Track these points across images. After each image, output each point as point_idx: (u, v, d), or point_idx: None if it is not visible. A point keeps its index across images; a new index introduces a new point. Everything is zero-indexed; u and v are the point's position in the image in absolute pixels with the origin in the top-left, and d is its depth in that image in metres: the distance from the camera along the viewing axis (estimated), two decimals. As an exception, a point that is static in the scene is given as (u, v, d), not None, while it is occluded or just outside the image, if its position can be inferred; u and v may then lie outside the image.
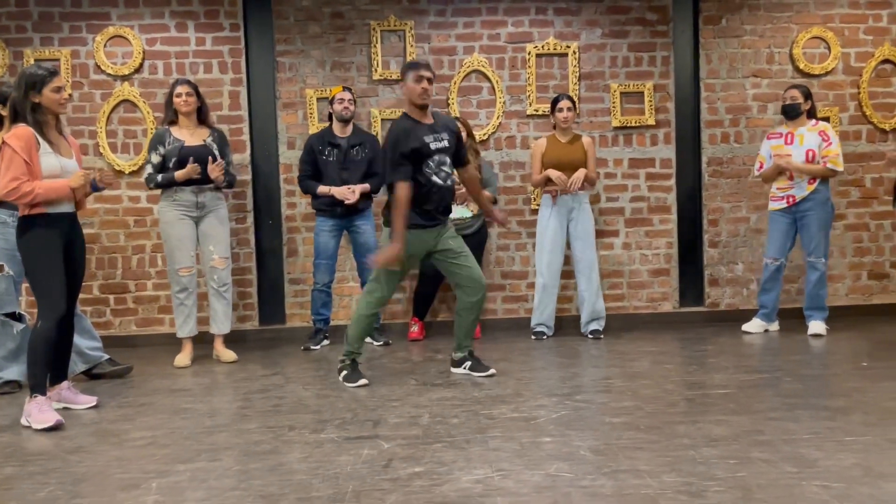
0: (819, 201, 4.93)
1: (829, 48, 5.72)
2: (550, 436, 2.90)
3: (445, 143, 3.91)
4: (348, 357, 4.00)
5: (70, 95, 5.38)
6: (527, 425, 3.06)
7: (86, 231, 5.37)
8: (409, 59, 5.55)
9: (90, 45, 5.45)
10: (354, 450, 2.80)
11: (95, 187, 4.00)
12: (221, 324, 4.77)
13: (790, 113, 5.00)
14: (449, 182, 3.96)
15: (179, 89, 4.61)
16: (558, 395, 3.54)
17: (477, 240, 5.26)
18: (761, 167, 5.15)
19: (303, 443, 2.92)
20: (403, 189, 3.75)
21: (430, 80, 3.85)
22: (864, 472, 2.40)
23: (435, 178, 3.87)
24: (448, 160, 3.94)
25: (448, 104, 5.59)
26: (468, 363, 4.12)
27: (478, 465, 2.58)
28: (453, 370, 4.16)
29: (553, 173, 5.03)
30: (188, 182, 4.58)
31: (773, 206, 5.11)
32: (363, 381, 3.92)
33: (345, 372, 3.98)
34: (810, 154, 4.90)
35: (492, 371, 4.05)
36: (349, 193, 4.92)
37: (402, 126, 3.85)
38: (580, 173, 5.05)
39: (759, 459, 2.55)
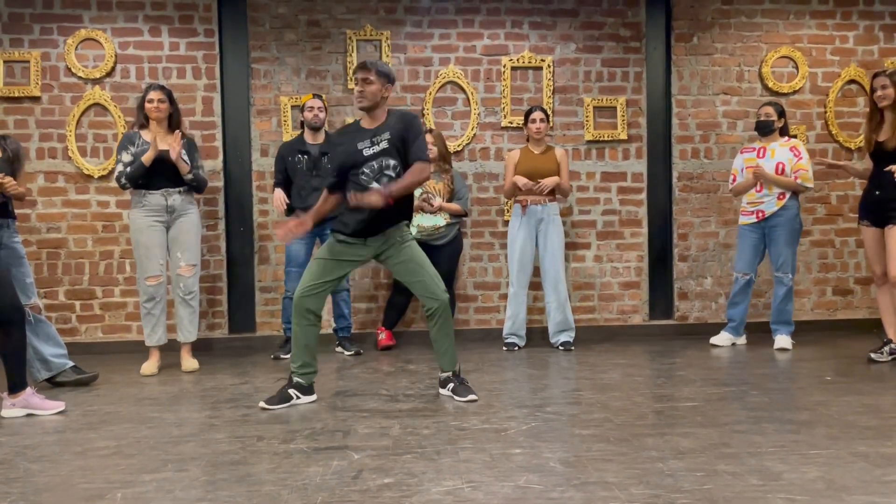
0: (788, 217, 5.02)
1: (797, 68, 5.85)
2: (520, 447, 2.91)
3: (385, 143, 3.60)
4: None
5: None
6: (497, 437, 3.06)
7: (53, 236, 5.35)
8: (384, 68, 5.56)
9: (61, 48, 5.38)
10: (324, 461, 2.78)
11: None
12: (186, 332, 4.70)
13: (763, 129, 5.09)
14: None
15: (152, 95, 4.55)
16: (529, 407, 3.56)
17: (451, 250, 5.29)
18: (734, 180, 5.23)
19: (271, 453, 2.89)
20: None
21: (365, 81, 3.56)
22: (827, 486, 2.44)
23: (374, 186, 3.57)
24: (392, 162, 3.60)
25: (423, 114, 5.61)
26: (451, 385, 3.79)
27: (448, 477, 2.58)
28: (440, 391, 3.87)
29: (520, 179, 5.06)
30: (157, 185, 4.52)
31: (743, 220, 5.19)
32: (472, 396, 3.69)
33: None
34: (780, 167, 4.99)
35: (472, 396, 3.69)
36: (282, 201, 4.98)
37: (337, 132, 3.75)
38: (550, 180, 5.09)
39: (725, 472, 2.58)
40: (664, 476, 2.54)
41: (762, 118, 5.09)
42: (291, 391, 3.70)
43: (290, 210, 5.05)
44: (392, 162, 3.61)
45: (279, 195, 5.00)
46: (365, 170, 3.60)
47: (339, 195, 3.71)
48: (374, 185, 3.58)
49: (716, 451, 2.81)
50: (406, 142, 3.63)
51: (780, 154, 5.02)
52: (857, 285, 5.93)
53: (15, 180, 4.06)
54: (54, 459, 2.88)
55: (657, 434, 3.06)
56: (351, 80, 5.53)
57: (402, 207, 3.67)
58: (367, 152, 3.60)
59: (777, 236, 5.04)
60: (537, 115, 5.14)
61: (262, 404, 3.63)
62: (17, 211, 4.32)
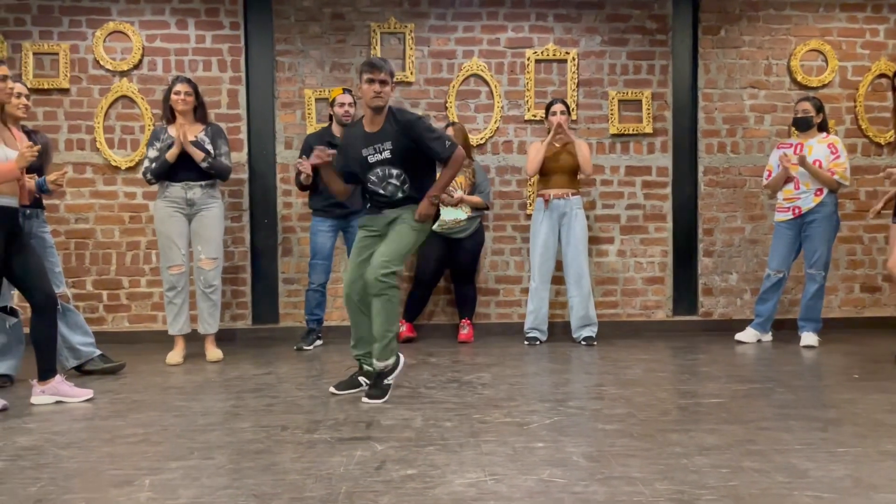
0: (825, 214, 4.95)
1: (826, 61, 5.76)
2: (543, 441, 2.90)
3: (388, 152, 3.56)
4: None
5: (68, 89, 5.41)
6: (520, 430, 3.06)
7: (80, 226, 5.42)
8: (408, 61, 5.56)
9: (90, 40, 5.44)
10: (347, 451, 2.80)
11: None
12: (207, 324, 4.73)
13: (801, 125, 5.02)
14: (400, 195, 3.62)
15: (178, 87, 4.58)
16: (551, 401, 3.55)
17: (472, 243, 5.28)
18: (769, 176, 5.16)
19: (295, 443, 2.92)
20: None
21: (383, 82, 3.52)
22: (854, 483, 2.41)
23: (380, 190, 3.65)
24: (396, 171, 3.58)
25: (446, 107, 5.60)
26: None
27: (471, 469, 2.58)
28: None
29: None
30: (179, 177, 4.56)
31: (779, 217, 5.11)
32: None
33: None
34: (817, 164, 4.92)
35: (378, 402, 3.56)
36: (315, 158, 4.77)
37: (348, 129, 3.84)
38: (565, 121, 5.09)
39: (750, 469, 2.55)
40: (689, 472, 2.53)
41: (800, 114, 5.01)
42: (361, 378, 3.78)
43: (309, 188, 5.05)
44: (395, 171, 3.60)
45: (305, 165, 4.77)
46: (371, 177, 3.64)
47: (350, 186, 3.86)
48: (381, 191, 3.63)
49: (741, 448, 2.78)
50: (417, 146, 3.58)
51: (818, 151, 4.95)
52: (885, 282, 5.84)
53: (43, 173, 4.13)
54: (83, 446, 2.93)
55: (681, 430, 3.04)
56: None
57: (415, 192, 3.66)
58: (371, 159, 3.61)
59: (813, 232, 4.96)
60: (558, 107, 5.13)
61: (331, 389, 3.74)
62: (45, 201, 4.38)
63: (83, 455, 2.81)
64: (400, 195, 3.64)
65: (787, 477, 2.47)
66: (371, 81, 3.53)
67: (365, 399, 3.57)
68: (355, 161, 3.68)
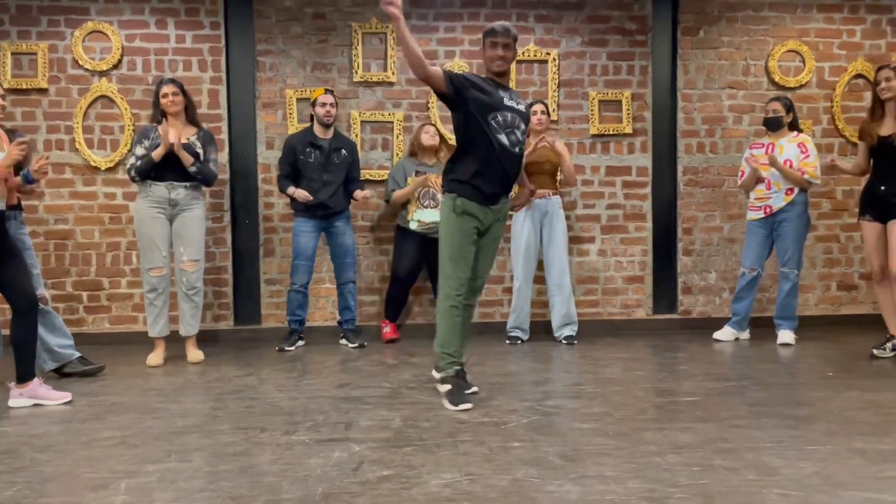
0: (796, 213, 5.01)
1: (803, 62, 5.82)
2: (520, 441, 2.93)
3: (522, 108, 3.60)
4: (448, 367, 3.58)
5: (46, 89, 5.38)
6: (497, 430, 3.09)
7: (60, 227, 5.40)
8: (389, 61, 5.57)
9: (68, 40, 5.40)
10: (325, 452, 2.81)
11: (29, 179, 3.96)
12: (188, 325, 4.71)
13: (772, 125, 5.08)
14: (518, 150, 3.54)
15: (165, 89, 4.55)
16: (530, 401, 3.58)
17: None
18: (742, 175, 5.22)
19: (274, 445, 2.93)
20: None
21: (506, 46, 3.47)
22: (823, 481, 2.45)
23: (501, 138, 3.47)
24: (524, 126, 3.57)
25: (428, 108, 5.62)
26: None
27: (447, 469, 2.60)
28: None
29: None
30: (163, 177, 4.54)
31: (751, 215, 5.17)
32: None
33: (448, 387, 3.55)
34: (787, 164, 4.98)
35: (474, 389, 3.70)
36: (307, 196, 4.96)
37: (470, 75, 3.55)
38: (550, 137, 5.10)
39: (721, 467, 2.59)
40: (661, 470, 2.56)
41: (770, 115, 5.07)
42: (464, 381, 3.63)
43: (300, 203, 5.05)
44: (523, 126, 3.58)
45: (303, 194, 4.97)
46: (498, 116, 3.47)
47: (442, 76, 3.47)
48: (501, 135, 3.46)
49: (714, 446, 2.82)
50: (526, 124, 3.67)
51: (788, 150, 5.01)
52: (862, 281, 5.92)
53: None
54: (60, 449, 2.92)
55: (656, 429, 3.08)
56: (356, 73, 5.55)
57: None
58: (506, 101, 3.52)
59: (784, 231, 5.03)
60: (538, 107, 5.16)
61: (460, 408, 3.42)
62: (24, 202, 4.35)
63: (60, 458, 2.81)
64: (517, 150, 3.54)
65: (756, 475, 2.51)
66: (494, 45, 3.48)
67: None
68: (486, 93, 3.46)
